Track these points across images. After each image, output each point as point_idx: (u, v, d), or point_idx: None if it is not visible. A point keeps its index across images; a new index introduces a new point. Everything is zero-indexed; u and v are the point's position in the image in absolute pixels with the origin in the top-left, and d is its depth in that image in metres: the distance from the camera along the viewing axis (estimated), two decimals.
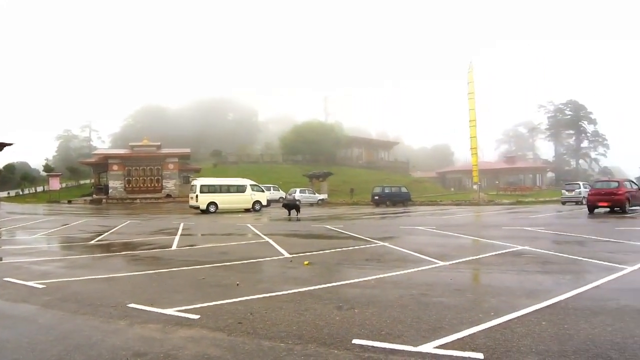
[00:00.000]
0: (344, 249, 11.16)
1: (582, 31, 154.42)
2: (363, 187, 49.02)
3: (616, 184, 22.92)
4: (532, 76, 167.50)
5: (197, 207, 28.40)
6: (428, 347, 4.08)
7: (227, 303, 5.76)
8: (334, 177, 51.93)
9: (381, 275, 7.48)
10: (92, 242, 13.41)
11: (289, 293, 6.29)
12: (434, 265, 8.47)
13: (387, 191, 39.66)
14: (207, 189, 28.92)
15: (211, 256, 10.07)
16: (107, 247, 12.25)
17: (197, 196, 28.38)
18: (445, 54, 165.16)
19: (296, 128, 78.47)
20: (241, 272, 8.14)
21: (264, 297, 6.06)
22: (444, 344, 4.15)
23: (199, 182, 29.61)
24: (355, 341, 4.26)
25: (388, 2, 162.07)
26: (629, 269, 7.68)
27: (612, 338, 4.23)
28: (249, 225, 18.40)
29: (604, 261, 8.43)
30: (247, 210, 29.58)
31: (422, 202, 42.74)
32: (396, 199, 39.18)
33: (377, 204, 38.25)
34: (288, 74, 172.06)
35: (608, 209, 22.30)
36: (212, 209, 28.29)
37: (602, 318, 4.86)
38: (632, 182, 25.26)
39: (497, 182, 67.92)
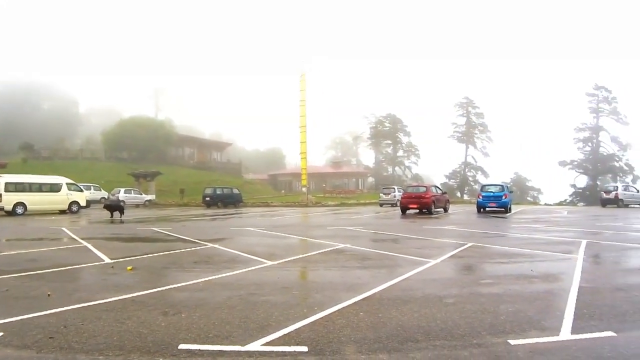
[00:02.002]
0: (171, 252, 10.68)
1: (406, 51, 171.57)
2: (194, 187, 47.66)
3: (424, 189, 26.14)
4: (359, 89, 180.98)
5: (1, 209, 24.73)
6: (256, 345, 4.12)
7: (36, 316, 5.06)
8: (164, 177, 49.59)
9: (210, 277, 7.34)
10: None
11: (109, 301, 5.77)
12: (262, 265, 8.62)
13: (218, 192, 39.30)
14: (13, 188, 25.38)
15: (17, 264, 8.74)
16: None
17: (0, 195, 24.78)
18: (281, 56, 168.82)
19: (122, 122, 71.84)
20: (53, 282, 7.22)
21: (80, 308, 5.46)
22: (271, 341, 4.23)
23: (3, 179, 25.68)
24: (182, 346, 4.10)
25: None
26: (432, 262, 8.79)
27: (418, 323, 4.77)
28: (64, 228, 16.54)
29: (413, 256, 9.52)
30: (62, 212, 26.75)
31: (254, 203, 43.32)
32: (228, 201, 39.09)
33: (208, 205, 37.64)
34: (114, 60, 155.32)
35: (417, 211, 25.21)
36: (19, 210, 25.00)
37: (410, 306, 5.45)
38: (438, 187, 29.27)
39: (324, 185, 71.97)
